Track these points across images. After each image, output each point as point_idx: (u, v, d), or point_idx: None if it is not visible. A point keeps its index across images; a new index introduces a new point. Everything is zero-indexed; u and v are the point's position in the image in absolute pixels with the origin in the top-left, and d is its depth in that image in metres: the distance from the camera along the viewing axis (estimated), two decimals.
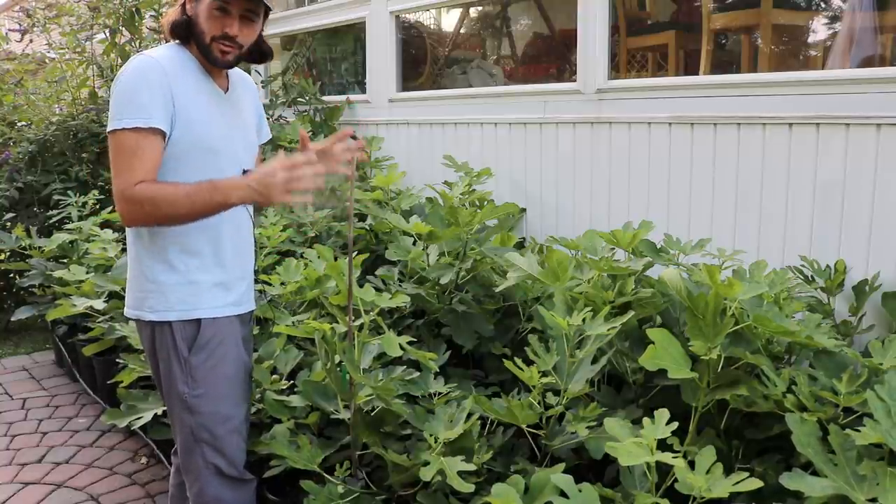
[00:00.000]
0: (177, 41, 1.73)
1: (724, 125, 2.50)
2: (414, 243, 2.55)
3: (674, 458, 1.31)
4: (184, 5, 1.71)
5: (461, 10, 5.15)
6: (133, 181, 1.58)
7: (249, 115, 1.87)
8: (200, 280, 1.72)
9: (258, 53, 1.80)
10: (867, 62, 3.03)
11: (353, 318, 1.77)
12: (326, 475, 1.81)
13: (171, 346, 1.71)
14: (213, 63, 1.71)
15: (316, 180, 1.54)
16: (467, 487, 1.53)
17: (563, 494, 1.39)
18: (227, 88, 1.80)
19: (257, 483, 1.91)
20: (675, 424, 1.39)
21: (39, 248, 3.74)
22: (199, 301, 1.72)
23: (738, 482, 1.31)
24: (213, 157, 1.70)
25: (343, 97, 4.15)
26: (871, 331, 2.17)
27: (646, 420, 1.41)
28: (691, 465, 1.38)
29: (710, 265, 1.66)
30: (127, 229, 1.75)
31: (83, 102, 4.71)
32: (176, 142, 1.64)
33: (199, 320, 1.72)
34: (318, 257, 2.45)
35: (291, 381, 2.23)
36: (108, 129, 1.61)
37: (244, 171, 1.79)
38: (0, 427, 3.29)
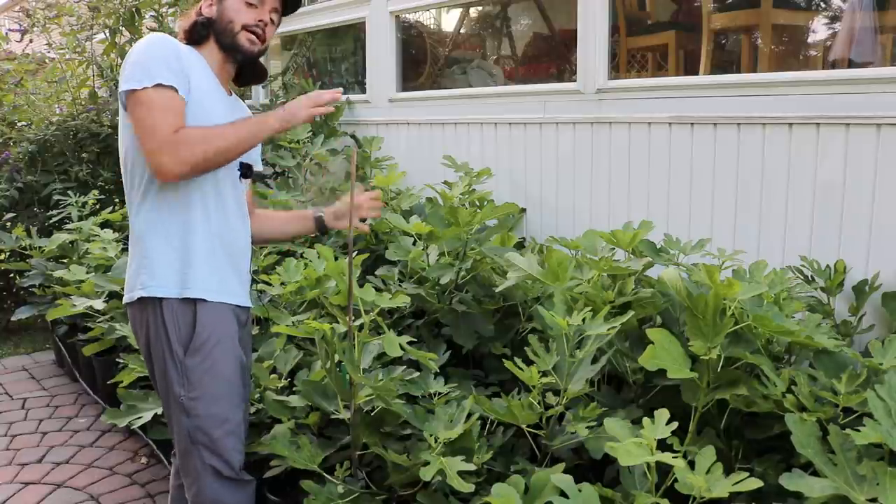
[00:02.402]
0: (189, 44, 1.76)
1: (724, 125, 2.50)
2: (414, 243, 2.55)
3: (674, 458, 1.31)
4: (199, 11, 1.74)
5: (461, 10, 5.15)
6: (173, 128, 1.57)
7: None
8: (195, 259, 1.69)
9: (260, 71, 1.88)
10: (867, 62, 3.03)
11: (353, 318, 1.77)
12: (326, 475, 1.81)
13: (166, 346, 1.68)
14: (240, 51, 1.74)
15: (329, 106, 1.70)
16: (467, 487, 1.53)
17: (563, 494, 1.39)
18: (230, 94, 1.83)
19: (258, 483, 1.91)
20: (675, 424, 1.39)
21: (39, 248, 3.74)
22: (195, 280, 1.68)
23: (738, 482, 1.31)
24: None
25: (343, 97, 4.15)
26: (871, 331, 2.17)
27: (646, 420, 1.41)
28: (691, 465, 1.38)
29: (710, 265, 1.66)
30: (135, 212, 1.71)
31: (83, 102, 4.71)
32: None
33: (194, 308, 1.68)
34: (318, 257, 2.45)
35: (290, 381, 2.23)
36: (130, 87, 1.58)
37: (241, 163, 1.80)
38: (0, 427, 3.29)
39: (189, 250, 1.69)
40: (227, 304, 1.76)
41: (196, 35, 1.73)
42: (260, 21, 1.73)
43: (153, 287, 1.68)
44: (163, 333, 1.69)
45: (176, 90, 1.60)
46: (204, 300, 1.70)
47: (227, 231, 1.76)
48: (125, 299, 1.76)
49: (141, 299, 1.70)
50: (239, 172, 1.81)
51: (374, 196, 1.94)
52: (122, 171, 1.73)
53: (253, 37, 1.73)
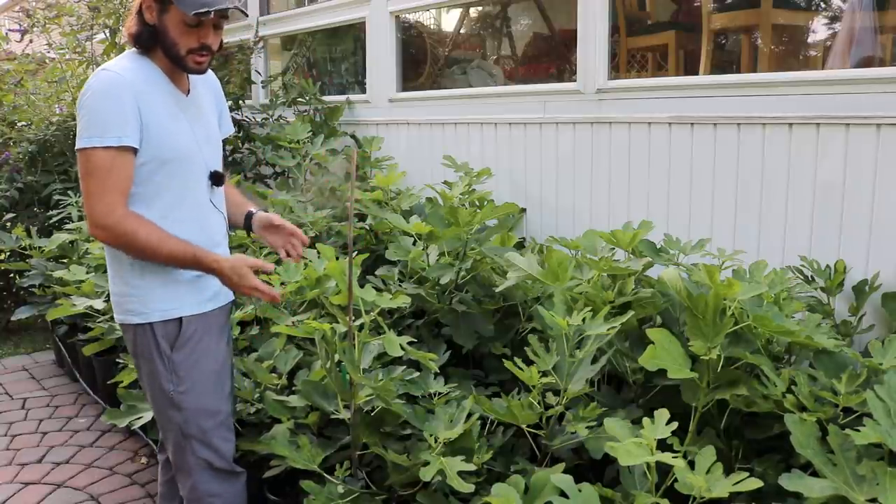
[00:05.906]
0: (137, 49, 1.71)
1: (724, 125, 2.50)
2: (414, 243, 2.55)
3: (674, 458, 1.31)
4: (140, 14, 1.68)
5: (461, 10, 5.15)
6: (111, 207, 1.59)
7: (210, 113, 1.87)
8: (179, 279, 1.73)
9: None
10: (867, 62, 3.03)
11: (353, 318, 1.77)
12: (326, 475, 1.81)
13: (154, 345, 1.72)
14: (188, 72, 1.72)
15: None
16: (467, 487, 1.53)
17: (563, 494, 1.39)
18: (189, 90, 1.79)
19: (258, 483, 1.91)
20: (675, 424, 1.39)
21: (39, 248, 3.74)
22: (180, 301, 1.73)
23: (738, 482, 1.31)
24: (184, 165, 1.72)
25: (343, 97, 4.15)
26: (871, 331, 2.17)
27: (646, 420, 1.41)
28: (691, 465, 1.39)
29: (710, 265, 1.66)
30: None
31: None
32: (144, 154, 1.64)
33: (180, 319, 1.73)
34: (319, 257, 2.45)
35: (290, 381, 2.23)
36: (78, 146, 1.60)
37: (211, 173, 1.79)
38: (0, 427, 3.29)
39: (173, 274, 1.72)
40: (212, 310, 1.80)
41: (143, 43, 1.69)
42: (203, 43, 1.67)
43: (145, 315, 1.72)
44: (150, 336, 1.73)
45: (126, 147, 1.60)
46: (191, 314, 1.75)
47: (206, 238, 1.77)
48: (116, 316, 1.78)
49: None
50: (210, 182, 1.79)
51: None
52: None
53: (199, 58, 1.69)
